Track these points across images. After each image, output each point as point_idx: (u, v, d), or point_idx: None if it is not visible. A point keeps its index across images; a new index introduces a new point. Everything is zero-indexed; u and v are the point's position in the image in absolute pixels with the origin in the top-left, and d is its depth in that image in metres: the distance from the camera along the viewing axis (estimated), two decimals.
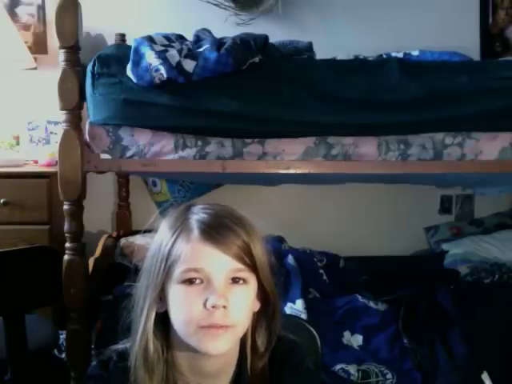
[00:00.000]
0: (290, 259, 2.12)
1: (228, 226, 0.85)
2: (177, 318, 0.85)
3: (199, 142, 1.77)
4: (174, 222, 0.88)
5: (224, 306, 0.82)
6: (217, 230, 0.84)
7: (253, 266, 0.85)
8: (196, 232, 0.84)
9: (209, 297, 0.82)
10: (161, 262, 0.86)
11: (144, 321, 0.87)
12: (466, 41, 2.66)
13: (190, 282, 0.83)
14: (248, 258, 0.85)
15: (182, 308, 0.84)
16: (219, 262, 0.83)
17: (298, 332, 1.04)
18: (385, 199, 2.83)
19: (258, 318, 0.91)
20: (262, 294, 0.89)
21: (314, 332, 1.12)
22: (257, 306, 0.90)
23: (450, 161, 1.81)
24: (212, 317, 0.82)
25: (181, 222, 0.87)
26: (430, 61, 2.01)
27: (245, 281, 0.85)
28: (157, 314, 0.87)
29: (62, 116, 1.74)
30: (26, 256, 1.53)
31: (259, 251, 0.86)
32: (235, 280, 0.84)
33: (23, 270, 1.49)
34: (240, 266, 0.84)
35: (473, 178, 2.14)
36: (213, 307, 0.81)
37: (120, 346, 0.92)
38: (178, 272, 0.84)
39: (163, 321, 0.88)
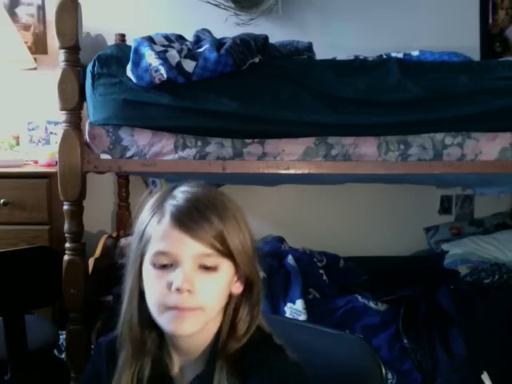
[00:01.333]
0: (290, 259, 2.12)
1: (200, 212, 0.85)
2: (148, 298, 0.86)
3: (199, 142, 1.77)
4: (154, 203, 0.89)
5: (189, 290, 0.82)
6: (188, 215, 0.84)
7: (226, 252, 0.85)
8: (167, 216, 0.85)
9: (174, 280, 0.83)
10: (137, 240, 0.88)
11: (128, 298, 0.89)
12: (466, 41, 2.66)
13: (160, 264, 0.85)
14: (220, 244, 0.84)
15: (152, 288, 0.86)
16: (187, 247, 0.83)
17: (355, 350, 1.01)
18: (385, 199, 2.83)
19: (241, 301, 0.90)
20: (245, 278, 0.90)
21: (377, 357, 1.04)
22: (237, 288, 0.90)
23: (450, 161, 1.81)
24: (177, 299, 0.83)
25: (158, 203, 0.88)
26: (430, 61, 2.00)
27: (215, 267, 0.85)
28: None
29: (61, 116, 1.74)
30: (26, 256, 1.53)
31: (235, 237, 0.86)
32: (205, 266, 0.84)
33: (23, 270, 1.49)
34: (209, 251, 0.84)
35: (473, 178, 2.14)
36: (177, 290, 0.82)
37: None
38: (149, 253, 0.86)
39: None
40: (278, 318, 1.32)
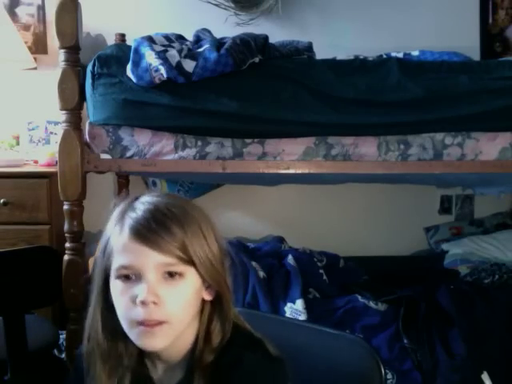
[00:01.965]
0: (290, 259, 2.12)
1: (160, 222, 0.83)
2: (118, 313, 0.85)
3: (199, 142, 1.77)
4: (117, 214, 0.88)
5: (154, 302, 0.81)
6: (147, 226, 0.83)
7: (190, 261, 0.83)
8: (126, 229, 0.84)
9: (138, 293, 0.81)
10: (101, 253, 0.87)
11: (91, 313, 0.87)
12: (466, 41, 2.66)
13: (124, 277, 0.83)
14: (183, 253, 0.82)
15: (118, 303, 0.84)
16: (149, 259, 0.82)
17: (354, 350, 1.01)
18: (385, 199, 2.83)
19: (213, 309, 0.88)
20: (213, 289, 0.88)
21: (378, 357, 1.02)
22: (207, 296, 0.88)
23: (450, 161, 1.81)
24: (144, 312, 0.81)
25: (121, 215, 0.87)
26: (430, 61, 2.01)
27: (181, 274, 0.83)
28: None
29: (61, 116, 1.74)
30: (26, 256, 1.52)
31: (197, 246, 0.84)
32: (170, 274, 0.83)
33: (23, 269, 1.49)
34: (172, 260, 0.82)
35: (473, 178, 2.14)
36: (142, 303, 0.81)
37: None
38: (113, 267, 0.84)
39: None
40: (278, 318, 1.31)
